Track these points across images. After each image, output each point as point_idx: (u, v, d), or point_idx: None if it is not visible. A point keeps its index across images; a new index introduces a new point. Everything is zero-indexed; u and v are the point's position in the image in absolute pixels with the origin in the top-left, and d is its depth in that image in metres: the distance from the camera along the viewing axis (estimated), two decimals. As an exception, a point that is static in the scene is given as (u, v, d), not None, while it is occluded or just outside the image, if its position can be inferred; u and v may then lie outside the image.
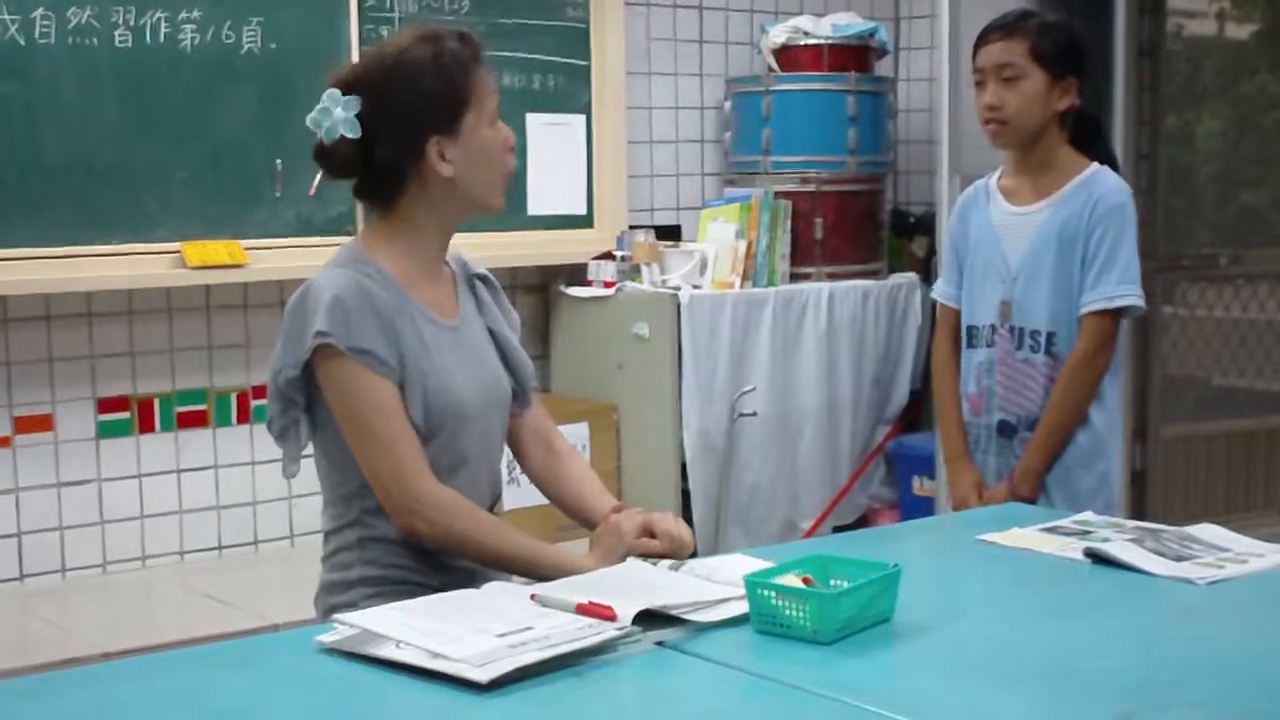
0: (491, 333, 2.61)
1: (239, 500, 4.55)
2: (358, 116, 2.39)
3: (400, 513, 2.38)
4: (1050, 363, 3.27)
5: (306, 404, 2.42)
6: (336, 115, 2.39)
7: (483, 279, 2.67)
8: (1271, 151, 6.39)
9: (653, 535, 2.43)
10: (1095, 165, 3.30)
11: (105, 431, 4.33)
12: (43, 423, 4.25)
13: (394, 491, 2.37)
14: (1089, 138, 3.34)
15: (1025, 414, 3.30)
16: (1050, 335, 3.26)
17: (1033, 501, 3.24)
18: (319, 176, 2.53)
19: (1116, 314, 3.23)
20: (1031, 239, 3.28)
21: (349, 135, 2.40)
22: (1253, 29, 6.45)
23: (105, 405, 4.33)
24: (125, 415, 4.36)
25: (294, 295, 2.41)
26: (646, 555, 2.39)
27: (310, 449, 2.49)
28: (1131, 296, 3.21)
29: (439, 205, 2.47)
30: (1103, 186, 3.24)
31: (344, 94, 2.40)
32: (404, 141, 2.41)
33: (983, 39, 3.30)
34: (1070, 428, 3.26)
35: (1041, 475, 3.28)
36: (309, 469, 2.52)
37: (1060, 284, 3.24)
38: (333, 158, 2.43)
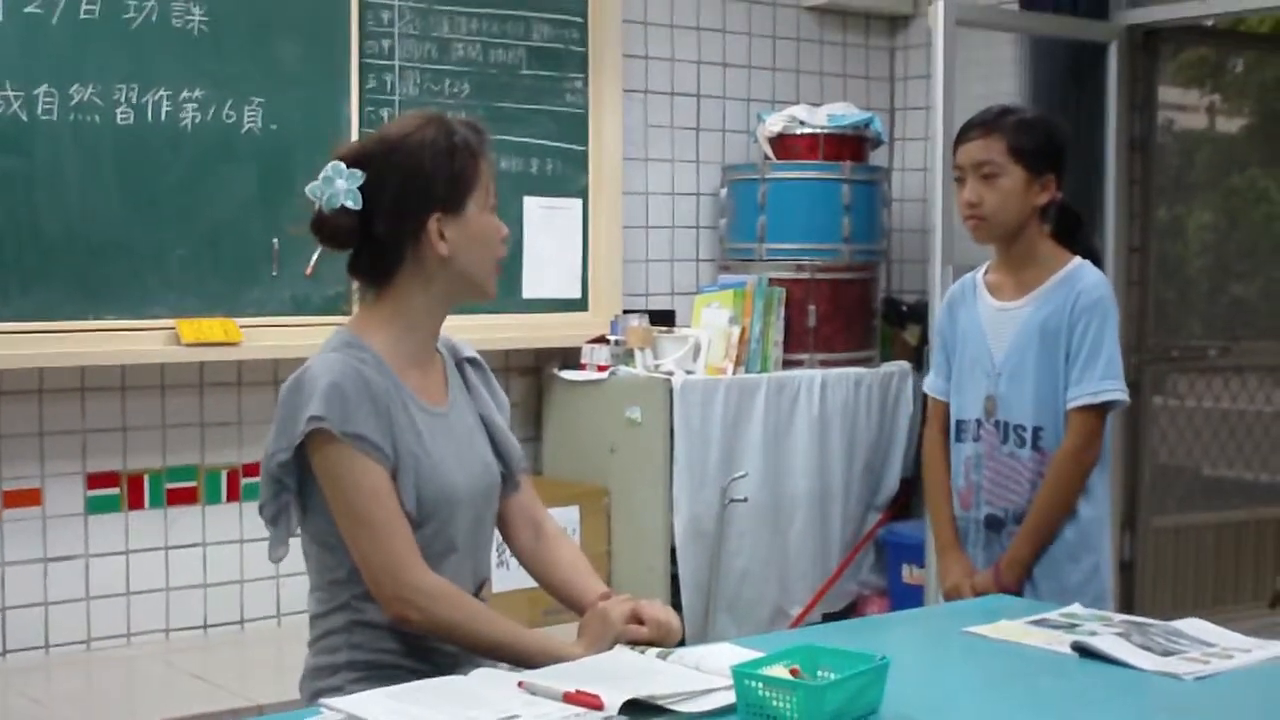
0: (481, 418, 2.62)
1: (226, 579, 4.53)
2: (360, 189, 2.42)
3: (391, 602, 2.37)
4: (1038, 457, 3.27)
5: (298, 488, 2.42)
6: (338, 186, 2.41)
7: (472, 362, 2.67)
8: (1261, 244, 6.43)
9: (641, 622, 2.43)
10: (1076, 260, 3.31)
11: (94, 507, 4.32)
12: (31, 497, 4.24)
13: (385, 581, 2.36)
14: (1071, 231, 3.37)
15: (1013, 508, 3.31)
16: (1037, 430, 3.26)
17: (1017, 592, 3.24)
18: (315, 256, 2.55)
19: (1102, 409, 3.24)
20: (1015, 335, 3.30)
21: (350, 206, 2.41)
22: (1242, 123, 6.52)
23: (95, 480, 4.32)
24: (114, 491, 4.36)
25: (288, 380, 2.41)
26: (634, 643, 2.39)
27: (298, 533, 2.49)
28: (1116, 391, 3.22)
29: (433, 285, 2.48)
30: (1083, 282, 3.26)
31: (348, 167, 2.43)
32: (405, 216, 2.43)
33: (962, 136, 3.33)
34: (1058, 521, 3.26)
35: (1027, 566, 3.27)
36: (296, 549, 2.52)
37: (1044, 379, 3.26)
38: (331, 228, 2.44)
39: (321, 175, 2.43)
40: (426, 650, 2.43)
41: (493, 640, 2.39)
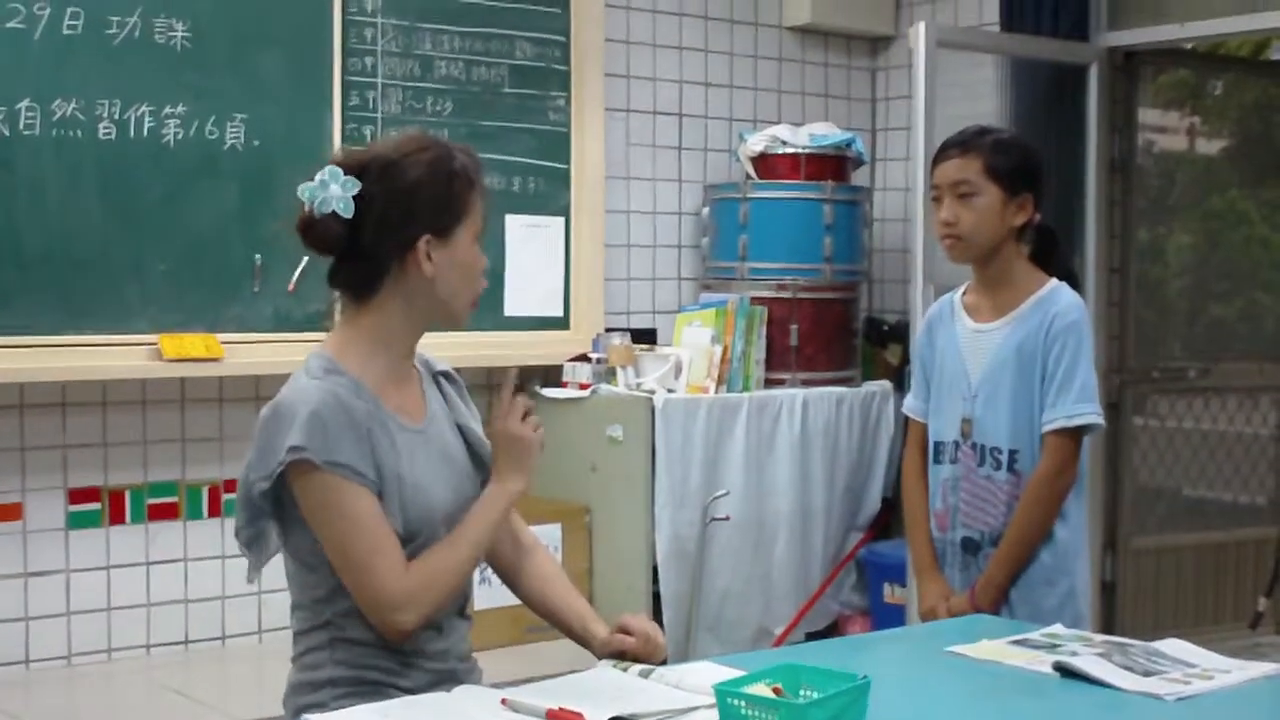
0: (460, 429, 2.62)
1: (208, 594, 4.52)
2: (354, 198, 2.41)
3: (387, 630, 2.37)
4: (1013, 480, 3.26)
5: (276, 513, 2.42)
6: (333, 190, 2.39)
7: (446, 375, 2.68)
8: (1240, 266, 6.46)
9: (628, 633, 2.44)
10: (1053, 282, 3.31)
11: (75, 522, 4.31)
12: (12, 512, 4.23)
13: (373, 613, 2.36)
14: (1049, 253, 3.37)
15: (989, 530, 3.30)
16: (1013, 453, 3.26)
17: (994, 614, 3.23)
18: (297, 272, 2.55)
19: (1077, 432, 3.24)
20: (991, 357, 3.29)
21: (341, 213, 2.40)
22: (1222, 145, 6.55)
23: (76, 495, 4.31)
24: (96, 506, 4.35)
25: (266, 408, 2.40)
26: (620, 656, 2.40)
27: (278, 553, 2.49)
28: (1091, 415, 3.21)
29: (412, 303, 2.47)
30: (1058, 304, 3.25)
31: (345, 175, 2.42)
32: (395, 232, 2.42)
33: (939, 156, 3.33)
34: (1033, 544, 3.25)
35: (1003, 589, 3.26)
36: (275, 565, 2.51)
37: (1020, 402, 3.25)
38: (316, 230, 2.43)
39: (317, 178, 2.41)
40: (410, 668, 2.42)
41: (467, 556, 2.44)
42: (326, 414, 2.34)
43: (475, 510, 2.47)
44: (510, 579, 2.70)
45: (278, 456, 2.33)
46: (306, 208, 2.42)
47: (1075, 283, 3.39)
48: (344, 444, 2.34)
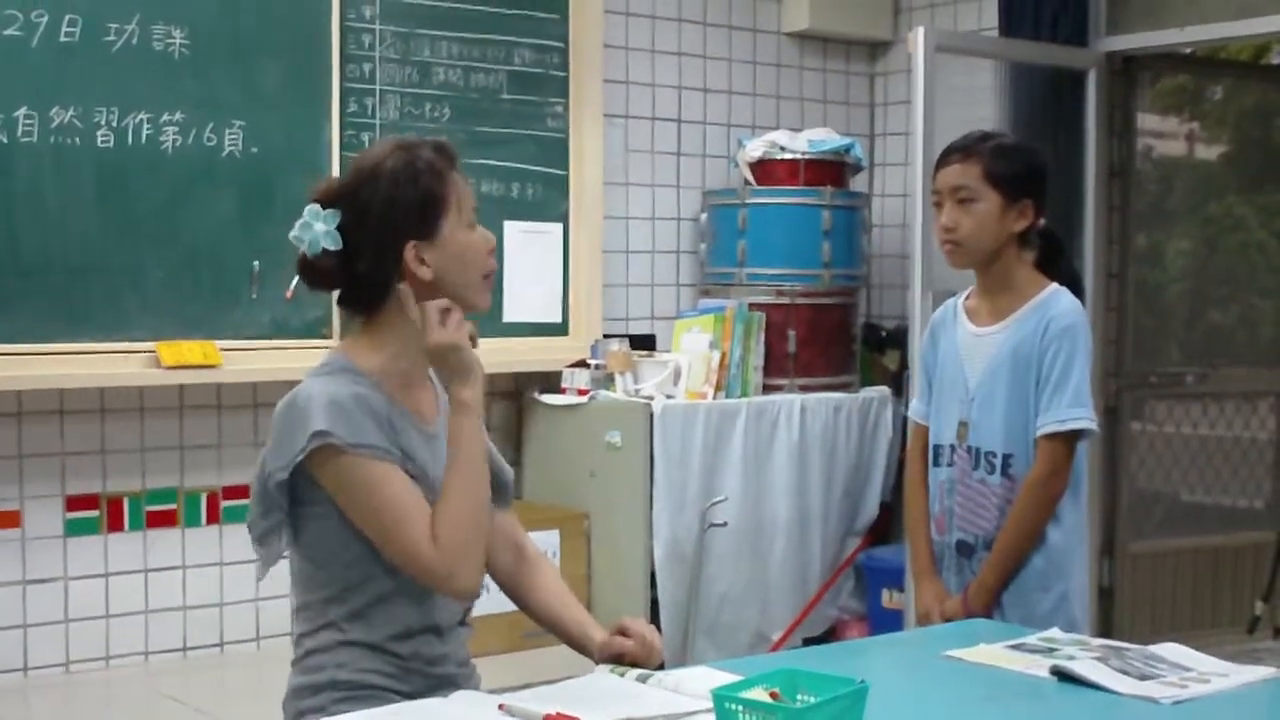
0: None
1: (206, 601, 4.52)
2: (339, 229, 2.43)
3: (451, 595, 2.39)
4: (1007, 484, 3.25)
5: (289, 507, 2.41)
6: (318, 229, 2.43)
7: (454, 386, 2.69)
8: (1239, 271, 6.47)
9: (626, 635, 2.44)
10: (1053, 286, 3.30)
11: (73, 529, 4.31)
12: (10, 519, 4.23)
13: (427, 582, 2.37)
14: (1054, 258, 3.37)
15: (982, 534, 3.29)
16: (1007, 457, 3.25)
17: (987, 618, 3.23)
18: (295, 280, 2.56)
19: (1070, 437, 3.23)
20: (988, 361, 3.29)
21: (331, 248, 2.43)
22: (1221, 151, 6.56)
23: (74, 503, 4.31)
24: (94, 513, 4.35)
25: (281, 402, 2.41)
26: (618, 659, 2.40)
27: (286, 554, 2.48)
28: (1084, 419, 3.20)
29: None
30: (1055, 308, 3.25)
31: (324, 208, 2.44)
32: (382, 249, 2.44)
33: (941, 160, 3.33)
34: (1025, 548, 3.24)
35: (995, 593, 3.26)
36: (275, 571, 2.51)
37: (1015, 406, 3.25)
38: (317, 271, 2.47)
39: (299, 221, 2.45)
40: (410, 673, 2.42)
41: (475, 485, 2.41)
42: (347, 402, 2.35)
43: (450, 444, 2.44)
44: (511, 590, 2.70)
45: (299, 444, 2.33)
46: (300, 251, 2.45)
47: (1079, 288, 3.39)
48: (367, 428, 2.35)
